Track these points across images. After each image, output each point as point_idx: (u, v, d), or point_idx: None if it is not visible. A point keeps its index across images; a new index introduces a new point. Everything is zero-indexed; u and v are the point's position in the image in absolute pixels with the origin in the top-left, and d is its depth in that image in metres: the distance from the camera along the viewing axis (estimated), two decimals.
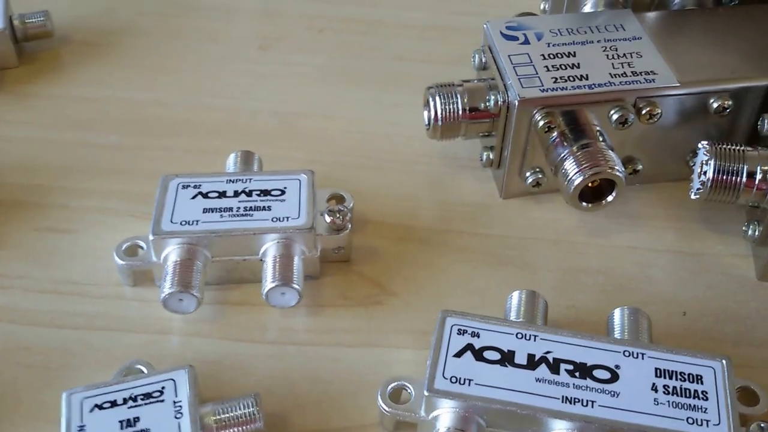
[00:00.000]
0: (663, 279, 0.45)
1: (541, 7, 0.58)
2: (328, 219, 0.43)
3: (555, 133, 0.46)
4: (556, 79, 0.46)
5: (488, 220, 0.48)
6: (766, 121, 0.45)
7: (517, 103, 0.45)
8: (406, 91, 0.55)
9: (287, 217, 0.42)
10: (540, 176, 0.48)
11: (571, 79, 0.46)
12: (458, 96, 0.48)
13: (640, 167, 0.49)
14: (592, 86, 0.45)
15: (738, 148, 0.44)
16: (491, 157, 0.49)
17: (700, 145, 0.45)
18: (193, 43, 0.61)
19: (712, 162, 0.43)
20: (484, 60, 0.49)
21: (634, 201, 0.49)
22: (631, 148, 0.48)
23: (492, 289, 0.44)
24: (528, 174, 0.48)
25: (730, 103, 0.46)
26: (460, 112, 0.48)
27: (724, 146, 0.44)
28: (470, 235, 0.47)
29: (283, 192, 0.43)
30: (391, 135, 0.53)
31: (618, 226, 0.48)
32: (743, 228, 0.46)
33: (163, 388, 0.36)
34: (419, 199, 0.50)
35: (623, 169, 0.44)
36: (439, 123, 0.48)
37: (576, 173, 0.44)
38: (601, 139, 0.46)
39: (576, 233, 0.48)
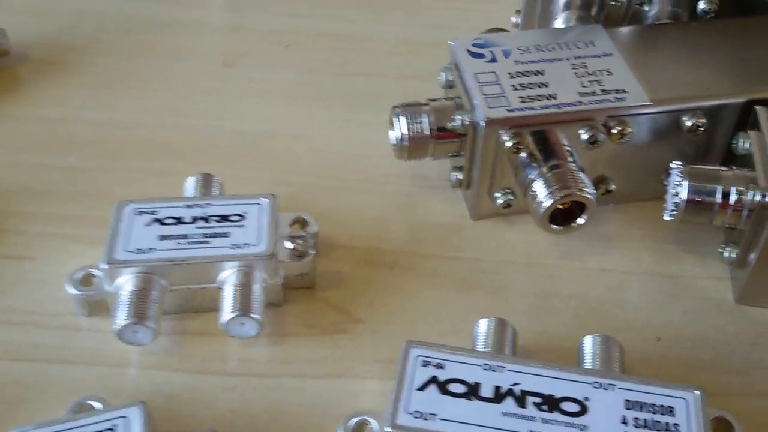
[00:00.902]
0: (638, 303, 0.44)
1: (513, 21, 0.57)
2: (290, 245, 0.42)
3: (524, 154, 0.45)
4: (524, 98, 0.45)
5: (459, 242, 0.48)
6: (740, 140, 0.44)
7: (483, 124, 0.44)
8: (376, 109, 0.54)
9: (247, 244, 0.41)
10: (510, 197, 0.47)
11: (539, 98, 0.45)
12: (424, 116, 0.47)
13: (613, 187, 0.48)
14: (561, 105, 0.45)
15: (712, 168, 0.43)
16: (460, 177, 0.48)
17: (673, 165, 0.44)
18: (156, 61, 0.60)
19: (685, 183, 0.43)
20: (450, 78, 0.48)
21: (609, 222, 0.49)
22: (603, 167, 0.47)
23: (463, 316, 0.43)
24: (498, 195, 0.47)
25: (704, 121, 0.45)
26: (427, 133, 0.47)
27: (698, 166, 0.43)
28: (440, 259, 0.46)
29: (242, 217, 0.42)
30: (360, 154, 0.52)
31: (592, 247, 0.47)
32: (720, 250, 0.44)
33: (114, 426, 0.34)
34: (388, 221, 0.49)
35: (594, 190, 0.44)
36: (405, 143, 0.47)
37: (545, 196, 0.43)
38: (571, 159, 0.45)
39: (549, 255, 0.47)
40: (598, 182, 0.48)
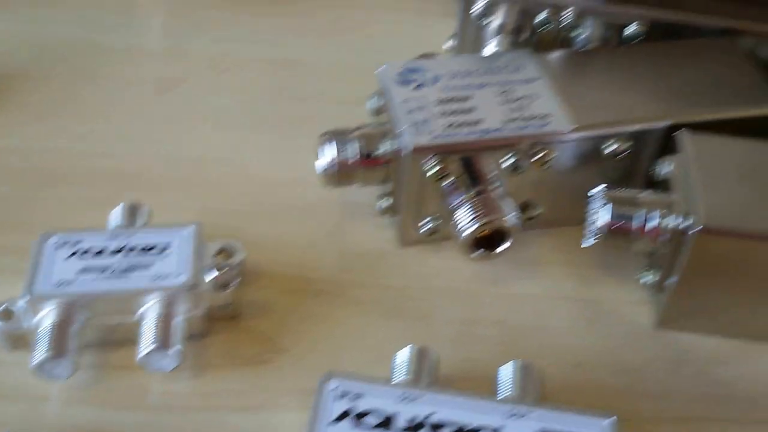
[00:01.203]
0: (560, 328, 0.45)
1: (448, 45, 0.58)
2: (212, 276, 0.41)
3: (448, 181, 0.45)
4: (449, 125, 0.45)
5: (387, 269, 0.48)
6: (661, 166, 0.45)
7: (408, 151, 0.44)
8: (309, 135, 0.53)
9: (168, 275, 0.41)
10: (437, 223, 0.47)
11: (464, 124, 0.45)
12: (352, 143, 0.47)
13: (538, 212, 0.48)
14: (485, 132, 0.45)
15: (632, 192, 0.44)
16: (388, 204, 0.48)
17: (594, 191, 0.44)
18: (92, 88, 0.60)
19: (605, 208, 0.43)
20: (379, 105, 0.48)
21: (535, 246, 0.49)
22: (528, 192, 0.48)
23: (388, 344, 0.43)
24: (425, 221, 0.48)
25: (627, 146, 0.46)
26: (354, 160, 0.47)
27: (618, 191, 0.44)
28: (368, 286, 0.47)
29: (166, 248, 0.42)
30: (292, 180, 0.53)
31: (517, 273, 0.48)
32: (640, 275, 0.45)
33: None
34: (317, 248, 0.49)
35: (516, 219, 0.44)
36: (333, 171, 0.47)
37: (467, 223, 0.44)
38: (496, 185, 0.45)
39: (475, 281, 0.47)
40: (523, 207, 0.48)
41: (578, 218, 0.48)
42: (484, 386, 0.39)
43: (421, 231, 0.48)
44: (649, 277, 0.45)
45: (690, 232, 0.40)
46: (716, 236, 0.40)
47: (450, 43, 0.58)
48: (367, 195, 0.51)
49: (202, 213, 0.49)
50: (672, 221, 0.42)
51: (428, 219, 0.48)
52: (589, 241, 0.44)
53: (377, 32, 0.66)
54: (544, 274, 0.48)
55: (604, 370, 0.43)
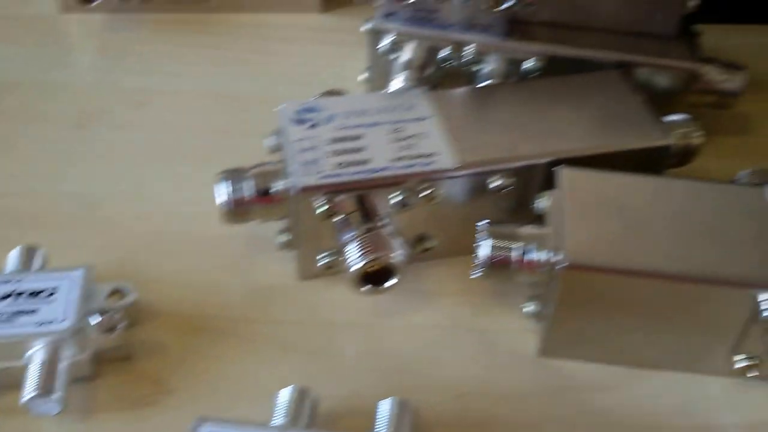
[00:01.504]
0: (447, 359, 0.46)
1: (361, 78, 0.59)
2: (95, 320, 0.43)
3: (339, 218, 0.46)
4: (338, 164, 0.46)
5: (285, 304, 0.49)
6: (540, 201, 0.46)
7: (296, 191, 0.45)
8: (218, 168, 0.53)
9: (53, 321, 0.42)
10: (333, 258, 0.48)
11: (352, 164, 0.47)
12: (248, 181, 0.48)
13: (432, 244, 0.50)
14: (372, 171, 0.46)
15: (511, 227, 0.45)
16: (286, 240, 0.49)
17: (478, 225, 0.45)
18: (10, 125, 0.61)
19: (485, 242, 0.44)
20: (276, 143, 0.50)
21: (430, 277, 0.50)
22: (422, 225, 0.49)
23: (278, 381, 0.44)
24: (321, 256, 0.49)
25: (510, 182, 0.47)
26: (249, 198, 0.48)
27: (498, 227, 0.45)
28: (264, 322, 0.48)
29: (53, 292, 0.43)
30: (198, 215, 0.53)
31: (412, 304, 0.49)
32: (523, 305, 0.46)
33: None
34: (217, 284, 0.50)
35: (403, 255, 0.45)
36: (228, 209, 0.48)
37: (355, 259, 0.45)
38: (386, 221, 0.46)
39: (370, 314, 0.48)
40: (417, 240, 0.49)
41: (470, 249, 0.49)
42: (369, 422, 0.41)
43: (319, 265, 0.49)
44: (532, 307, 0.46)
45: (558, 267, 0.41)
46: (582, 271, 0.42)
47: (365, 75, 0.59)
48: (271, 229, 0.52)
49: (102, 251, 0.50)
50: (544, 255, 0.43)
51: (325, 254, 0.49)
52: (475, 273, 0.45)
53: (297, 64, 0.67)
54: (439, 305, 0.49)
55: (487, 399, 0.44)
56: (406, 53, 0.56)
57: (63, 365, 0.41)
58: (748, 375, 0.44)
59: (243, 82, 0.65)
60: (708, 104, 0.59)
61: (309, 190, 0.46)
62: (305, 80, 0.65)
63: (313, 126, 0.49)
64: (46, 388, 0.40)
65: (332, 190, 0.46)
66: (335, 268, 0.49)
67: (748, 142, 0.62)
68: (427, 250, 0.50)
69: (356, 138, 0.48)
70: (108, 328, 0.43)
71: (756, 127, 0.63)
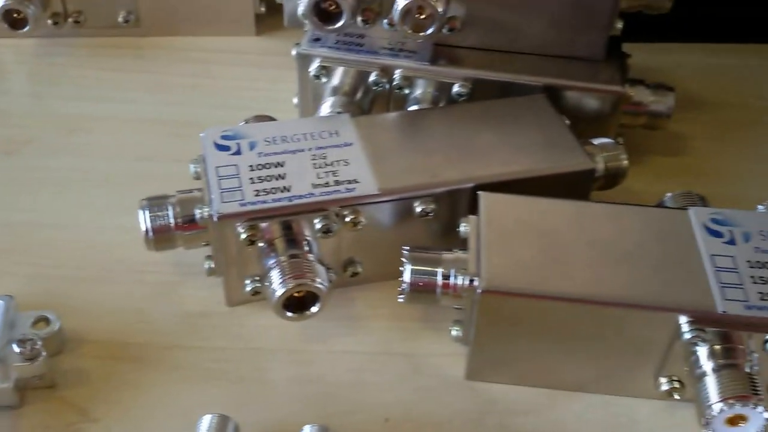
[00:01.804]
0: (374, 383, 0.47)
1: (294, 102, 0.60)
2: (17, 349, 0.43)
3: (262, 244, 0.47)
4: (259, 191, 0.47)
5: (212, 330, 0.50)
6: (462, 225, 0.47)
7: (217, 218, 0.46)
8: (149, 194, 0.54)
9: None
10: (258, 285, 0.49)
11: (273, 191, 0.47)
12: (169, 208, 0.49)
13: (360, 269, 0.50)
14: (293, 198, 0.47)
15: (434, 251, 0.46)
16: (212, 265, 0.50)
17: (402, 250, 0.46)
18: None
19: (408, 267, 0.45)
20: (198, 170, 0.50)
21: (359, 302, 0.51)
22: (350, 251, 0.50)
23: (201, 409, 0.44)
24: (247, 282, 0.49)
25: (433, 207, 0.48)
26: (172, 225, 0.49)
27: (421, 252, 0.46)
28: (187, 349, 0.49)
29: None
30: (126, 242, 0.54)
31: (340, 329, 0.50)
32: (449, 328, 0.47)
33: None
34: (144, 312, 0.50)
35: (326, 282, 0.46)
36: (150, 236, 0.49)
37: (278, 284, 0.45)
38: (308, 248, 0.47)
39: (297, 340, 0.49)
40: (345, 265, 0.50)
41: (399, 273, 0.50)
42: None
43: (246, 291, 0.49)
44: (456, 331, 0.47)
45: (477, 293, 0.42)
46: (498, 296, 0.43)
47: (296, 100, 0.60)
48: (199, 255, 0.52)
49: (29, 280, 0.50)
50: (465, 280, 0.44)
51: (251, 280, 0.49)
52: (400, 298, 0.47)
53: (232, 88, 0.68)
54: (367, 330, 0.50)
55: (413, 423, 0.45)
56: (335, 78, 0.57)
57: None
58: (672, 398, 0.45)
59: (176, 106, 0.66)
60: (639, 125, 0.60)
61: (229, 218, 0.46)
62: (239, 104, 0.66)
63: (235, 153, 0.49)
64: None
65: (253, 218, 0.46)
66: (262, 294, 0.49)
67: (681, 163, 0.63)
68: (355, 274, 0.50)
69: (278, 165, 0.49)
70: (30, 357, 0.43)
71: (688, 147, 0.65)
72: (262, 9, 0.71)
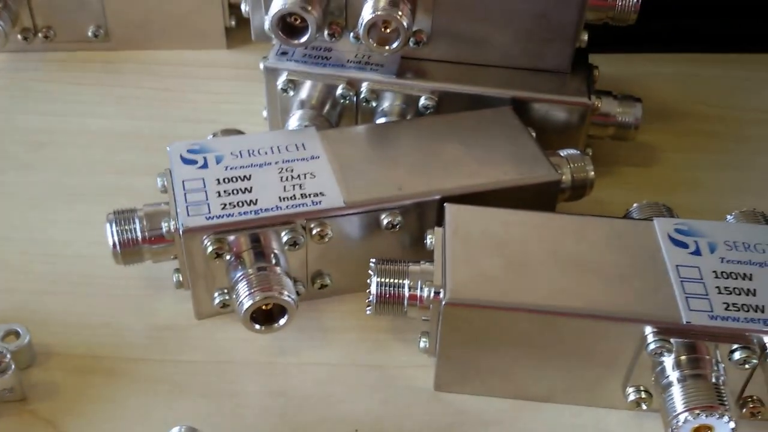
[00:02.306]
0: (342, 395, 0.47)
1: (264, 115, 0.61)
2: None
3: (229, 257, 0.47)
4: (225, 205, 0.48)
5: (181, 343, 0.50)
6: (428, 237, 0.48)
7: (182, 232, 0.46)
8: (120, 207, 0.54)
9: None
10: (227, 297, 0.50)
11: (239, 204, 0.48)
12: (137, 221, 0.49)
13: (328, 282, 0.51)
14: (259, 211, 0.48)
15: (401, 264, 0.47)
16: (180, 279, 0.51)
17: (370, 262, 0.47)
18: None
19: (374, 279, 0.46)
20: (165, 183, 0.51)
21: (329, 314, 0.52)
22: (317, 263, 0.51)
23: (170, 423, 0.44)
24: (216, 295, 0.50)
25: (399, 219, 0.49)
26: (139, 239, 0.49)
27: (387, 264, 0.47)
28: (159, 362, 0.49)
29: None
30: (96, 256, 0.54)
31: (310, 341, 0.50)
32: (418, 339, 0.48)
33: None
34: (113, 325, 0.51)
35: (295, 293, 0.46)
36: (118, 249, 0.49)
37: (245, 297, 0.46)
38: (277, 261, 0.48)
39: (267, 353, 0.50)
40: (313, 277, 0.51)
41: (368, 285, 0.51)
42: None
43: (214, 304, 0.50)
44: (424, 342, 0.48)
45: (441, 304, 0.43)
46: (462, 308, 0.43)
47: (265, 113, 0.61)
48: (169, 268, 0.53)
49: (1, 294, 0.51)
50: (430, 292, 0.45)
51: (219, 293, 0.50)
52: (368, 310, 0.47)
53: (202, 101, 0.69)
54: (336, 342, 0.51)
55: None
56: (303, 91, 0.58)
57: None
58: (640, 408, 0.46)
59: (147, 119, 0.66)
60: (608, 136, 0.61)
61: (195, 231, 0.47)
62: (209, 117, 0.66)
63: (202, 166, 0.50)
64: None
65: (218, 231, 0.47)
66: (230, 306, 0.50)
67: (649, 173, 0.64)
68: (323, 287, 0.51)
69: (245, 178, 0.49)
70: (0, 370, 0.43)
71: (657, 158, 0.66)
72: (232, 23, 0.71)
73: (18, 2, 0.67)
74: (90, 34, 0.70)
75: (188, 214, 0.47)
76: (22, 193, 0.59)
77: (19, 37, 0.69)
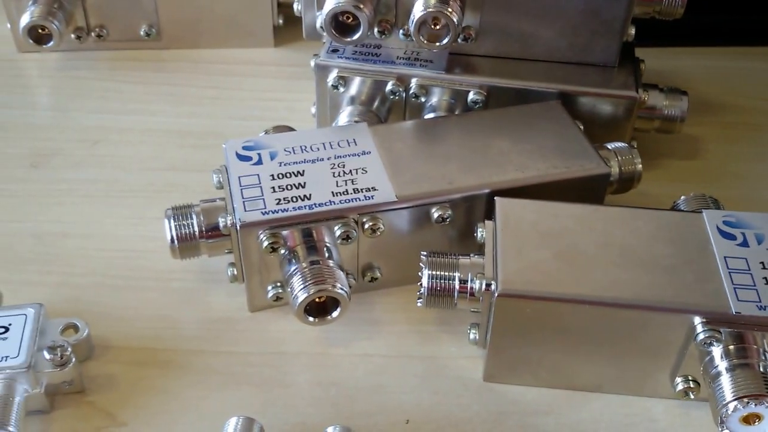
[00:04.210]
0: (393, 386, 0.48)
1: (312, 111, 0.62)
2: (48, 356, 0.45)
3: (283, 251, 0.48)
4: (280, 200, 0.49)
5: (235, 336, 0.51)
6: (478, 230, 0.48)
7: (239, 226, 0.47)
8: (171, 203, 0.55)
9: (6, 357, 0.44)
10: (280, 290, 0.51)
11: (294, 199, 0.49)
12: (194, 216, 0.50)
13: (379, 275, 0.52)
14: (313, 206, 0.49)
15: (451, 256, 0.47)
16: (235, 272, 0.52)
17: (420, 255, 0.48)
18: None
19: (426, 271, 0.47)
20: (221, 180, 0.52)
21: (377, 307, 0.53)
22: (368, 256, 0.51)
23: (226, 413, 0.45)
24: (269, 288, 0.51)
25: (449, 213, 0.49)
26: (196, 233, 0.50)
27: (438, 257, 0.47)
28: (213, 354, 0.50)
29: (6, 329, 0.45)
30: (150, 251, 0.56)
31: (359, 334, 0.51)
32: (467, 331, 0.49)
33: None
34: (169, 318, 0.52)
35: (345, 286, 0.47)
36: (176, 244, 0.50)
37: (300, 290, 0.47)
38: (330, 254, 0.48)
39: (318, 344, 0.51)
40: (364, 270, 0.52)
41: (417, 278, 0.52)
42: None
43: (268, 297, 0.51)
44: (474, 334, 0.48)
45: (493, 296, 0.44)
46: (514, 299, 0.44)
47: (314, 110, 0.62)
48: (222, 262, 0.54)
49: (57, 289, 0.52)
50: (481, 284, 0.45)
51: (272, 286, 0.51)
52: (419, 302, 0.48)
53: (252, 99, 0.70)
54: (384, 334, 0.51)
55: (432, 425, 0.47)
56: (352, 88, 0.59)
57: (18, 399, 0.43)
58: (689, 397, 0.46)
59: (197, 118, 0.67)
60: (653, 129, 0.61)
61: (251, 226, 0.48)
62: (259, 115, 0.67)
63: (256, 163, 0.51)
64: (1, 421, 0.42)
65: (274, 226, 0.48)
66: (283, 299, 0.51)
67: (695, 166, 0.65)
68: (373, 280, 0.52)
69: (299, 174, 0.50)
70: (60, 364, 0.45)
71: (702, 151, 0.66)
72: (280, 21, 0.72)
73: (73, 2, 0.68)
74: (142, 33, 0.71)
75: (245, 209, 0.47)
76: (77, 190, 0.61)
77: (72, 36, 0.70)
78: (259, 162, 0.51)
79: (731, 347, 0.43)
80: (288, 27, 0.73)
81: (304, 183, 0.49)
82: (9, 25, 0.70)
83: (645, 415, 0.48)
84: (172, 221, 0.50)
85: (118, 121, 0.67)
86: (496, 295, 0.44)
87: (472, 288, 0.46)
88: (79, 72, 0.72)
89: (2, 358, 0.44)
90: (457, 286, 0.47)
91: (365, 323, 0.52)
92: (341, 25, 0.52)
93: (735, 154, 0.65)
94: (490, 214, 0.50)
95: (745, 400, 0.42)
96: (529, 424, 0.47)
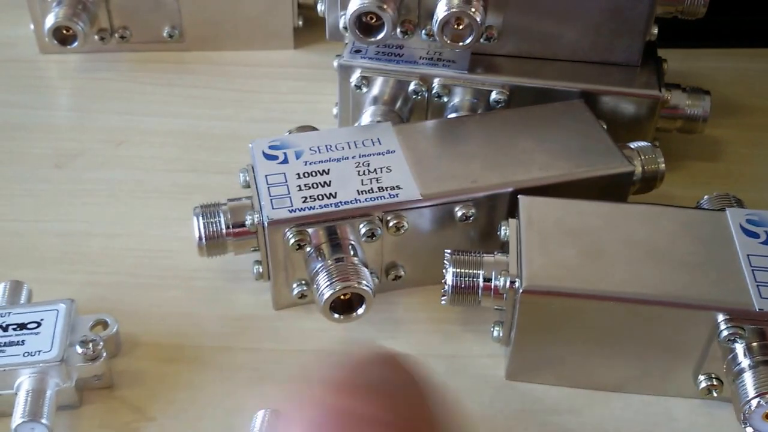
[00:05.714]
0: None
1: (334, 112, 0.64)
2: (80, 350, 0.47)
3: (309, 249, 0.50)
4: (306, 198, 0.51)
5: (260, 333, 0.53)
6: (502, 228, 0.50)
7: (266, 224, 0.49)
8: (198, 203, 0.57)
9: (39, 351, 0.46)
10: (305, 288, 0.53)
11: (320, 197, 0.51)
12: (221, 215, 0.52)
13: (402, 273, 0.54)
14: (339, 204, 0.50)
15: (476, 254, 0.49)
16: (260, 270, 0.53)
17: (445, 253, 0.50)
18: None
19: (450, 269, 0.49)
20: (247, 179, 0.54)
21: (400, 306, 0.54)
22: (392, 255, 0.53)
23: (253, 409, 0.47)
24: (294, 286, 0.53)
25: (473, 211, 0.51)
26: (223, 231, 0.52)
27: (462, 255, 0.49)
28: (239, 351, 0.52)
29: (39, 324, 0.47)
30: (175, 250, 0.58)
31: (382, 333, 0.53)
32: (491, 329, 0.50)
33: None
34: (194, 315, 0.54)
35: (370, 284, 0.49)
36: (203, 242, 0.52)
37: (326, 287, 0.49)
38: (353, 252, 0.50)
39: (342, 342, 0.52)
40: (387, 269, 0.54)
41: (439, 277, 0.53)
42: None
43: (293, 295, 0.53)
44: (497, 332, 0.50)
45: (518, 293, 0.45)
46: (539, 296, 0.45)
47: (336, 110, 0.64)
48: (247, 261, 0.56)
49: (83, 287, 0.54)
50: (506, 282, 0.47)
51: (297, 283, 0.53)
52: (443, 300, 0.50)
53: (273, 101, 0.72)
54: (407, 332, 0.53)
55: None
56: (375, 88, 0.61)
57: (50, 393, 0.45)
58: (711, 395, 0.48)
59: (219, 119, 0.69)
60: (676, 129, 0.63)
61: (278, 224, 0.50)
62: (280, 116, 0.69)
63: (282, 162, 0.53)
64: (32, 415, 0.44)
65: (300, 223, 0.50)
66: (308, 297, 0.53)
67: (717, 167, 0.66)
68: (397, 278, 0.54)
69: (324, 172, 0.52)
70: (91, 358, 0.47)
71: (724, 151, 0.67)
72: (300, 23, 0.74)
73: (97, 3, 0.70)
74: (165, 34, 0.73)
75: (272, 207, 0.49)
76: (101, 191, 0.62)
77: (96, 37, 0.72)
78: (285, 161, 0.53)
79: (754, 344, 0.45)
80: (306, 28, 0.75)
81: (330, 181, 0.51)
82: (33, 26, 0.71)
83: (667, 414, 0.49)
84: (200, 219, 0.52)
85: (140, 122, 0.69)
86: (521, 291, 0.45)
87: (496, 285, 0.48)
88: (101, 73, 0.73)
89: (35, 352, 0.46)
90: (481, 284, 0.48)
91: (388, 322, 0.53)
92: (365, 25, 0.54)
93: (756, 156, 0.67)
94: (512, 213, 0.51)
95: None
96: (550, 422, 0.49)
